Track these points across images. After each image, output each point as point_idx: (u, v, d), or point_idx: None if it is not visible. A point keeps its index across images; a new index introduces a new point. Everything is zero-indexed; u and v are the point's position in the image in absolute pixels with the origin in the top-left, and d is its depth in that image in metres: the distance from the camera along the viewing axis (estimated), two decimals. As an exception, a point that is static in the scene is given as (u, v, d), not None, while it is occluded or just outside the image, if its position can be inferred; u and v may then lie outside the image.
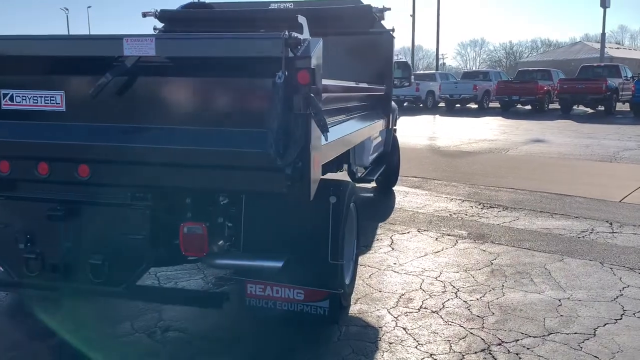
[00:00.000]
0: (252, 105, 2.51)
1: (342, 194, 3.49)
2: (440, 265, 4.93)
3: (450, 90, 28.92)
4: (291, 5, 6.22)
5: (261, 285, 3.52)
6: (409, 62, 7.16)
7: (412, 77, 7.17)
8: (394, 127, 8.60)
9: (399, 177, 9.06)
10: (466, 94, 28.35)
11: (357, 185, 7.07)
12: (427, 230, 6.10)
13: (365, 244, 5.49)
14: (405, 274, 4.71)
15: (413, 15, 44.63)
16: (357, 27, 5.79)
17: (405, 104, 30.17)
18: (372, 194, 8.12)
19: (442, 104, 30.84)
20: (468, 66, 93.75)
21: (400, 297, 4.21)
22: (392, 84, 6.01)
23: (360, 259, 4.99)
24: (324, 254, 3.38)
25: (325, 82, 2.85)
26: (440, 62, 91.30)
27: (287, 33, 2.36)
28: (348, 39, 6.06)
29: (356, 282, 4.38)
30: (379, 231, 6.03)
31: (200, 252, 2.93)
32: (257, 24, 6.16)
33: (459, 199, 7.74)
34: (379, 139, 7.15)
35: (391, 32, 5.81)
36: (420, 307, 4.03)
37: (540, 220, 6.60)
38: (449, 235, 5.94)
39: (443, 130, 18.83)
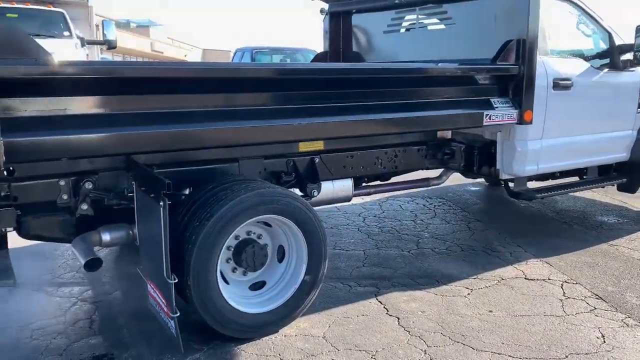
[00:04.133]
0: None
1: (188, 197, 2.87)
2: (476, 331, 3.29)
3: None
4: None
5: (152, 285, 3.29)
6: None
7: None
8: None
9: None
10: None
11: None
12: (595, 287, 4.03)
13: (454, 285, 4.12)
14: (401, 329, 3.37)
15: None
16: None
17: None
18: (617, 219, 5.72)
19: None
20: None
21: (322, 352, 3.11)
22: (532, 61, 4.07)
23: (391, 300, 3.85)
24: (161, 268, 2.89)
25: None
26: None
27: None
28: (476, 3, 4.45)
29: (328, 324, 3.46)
30: (506, 271, 4.36)
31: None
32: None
33: None
34: (593, 138, 5.03)
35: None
36: (322, 373, 2.90)
37: None
38: (622, 305, 3.79)
39: None
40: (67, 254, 4.55)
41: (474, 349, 3.12)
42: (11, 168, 2.95)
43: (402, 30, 5.44)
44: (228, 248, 3.26)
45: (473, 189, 7.12)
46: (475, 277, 4.16)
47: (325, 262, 3.40)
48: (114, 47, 9.85)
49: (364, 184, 4.74)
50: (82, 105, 2.79)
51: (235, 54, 13.02)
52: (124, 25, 36.28)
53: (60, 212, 3.24)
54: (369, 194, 4.70)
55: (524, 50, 4.02)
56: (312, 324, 3.40)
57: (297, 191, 3.99)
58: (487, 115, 3.98)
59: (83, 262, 2.96)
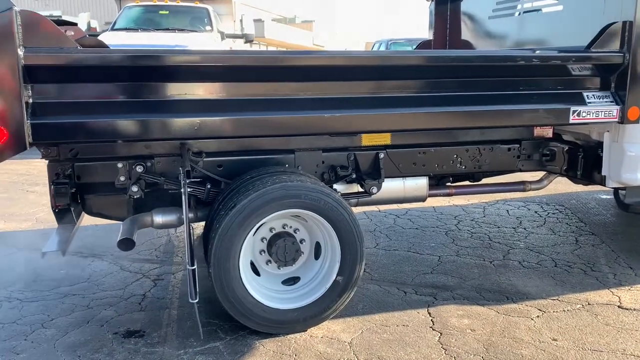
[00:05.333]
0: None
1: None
2: (525, 364, 2.84)
3: None
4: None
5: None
6: None
7: None
8: None
9: None
10: None
11: None
12: (690, 322, 3.29)
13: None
14: (438, 346, 3.03)
15: None
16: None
17: None
18: None
19: None
20: None
21: (349, 360, 2.90)
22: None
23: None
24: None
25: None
26: None
27: None
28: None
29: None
30: (598, 295, 3.73)
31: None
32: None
33: None
34: None
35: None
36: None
37: None
38: None
39: None
40: (154, 232, 4.87)
41: (511, 381, 2.70)
42: (73, 149, 3.24)
43: (507, 15, 4.89)
44: (262, 240, 3.22)
45: (604, 197, 6.21)
46: (556, 298, 3.60)
47: (360, 265, 3.18)
48: (251, 41, 10.35)
49: (447, 184, 4.37)
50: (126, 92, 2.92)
51: (374, 45, 12.95)
52: (290, 20, 38.08)
53: (119, 192, 3.46)
54: (449, 195, 4.31)
55: (630, 34, 3.35)
56: (344, 328, 3.22)
57: (358, 187, 3.82)
58: (574, 111, 3.40)
59: (118, 239, 3.12)
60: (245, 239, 3.00)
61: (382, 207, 5.67)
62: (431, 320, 3.32)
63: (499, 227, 5.13)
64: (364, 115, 3.36)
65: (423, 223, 5.25)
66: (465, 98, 3.36)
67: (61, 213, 3.40)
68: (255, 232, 3.16)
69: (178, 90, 2.95)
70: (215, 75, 3.09)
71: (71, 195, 3.27)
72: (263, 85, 3.24)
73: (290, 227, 3.25)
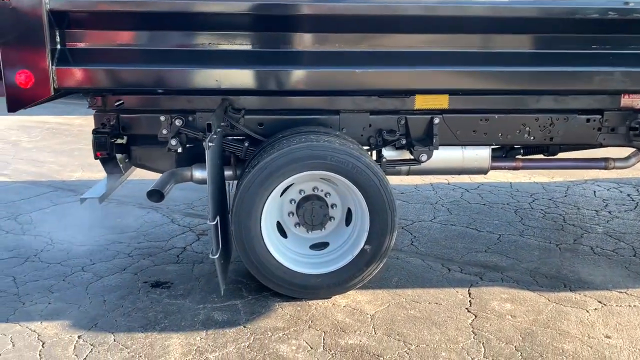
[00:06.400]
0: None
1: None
2: (564, 356, 2.51)
3: None
4: None
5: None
6: None
7: None
8: None
9: None
10: None
11: None
12: None
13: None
14: (468, 330, 2.75)
15: None
16: None
17: None
18: None
19: None
20: None
21: None
22: None
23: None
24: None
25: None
26: None
27: None
28: None
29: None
30: None
31: None
32: None
33: None
34: None
35: None
36: None
37: None
38: None
39: None
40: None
41: (541, 376, 2.38)
42: (120, 100, 3.29)
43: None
44: (291, 201, 3.10)
45: None
46: (623, 291, 3.16)
47: (391, 235, 2.96)
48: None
49: (517, 157, 3.95)
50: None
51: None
52: None
53: (162, 145, 3.48)
54: (515, 168, 3.89)
55: None
56: (371, 299, 3.04)
57: (407, 154, 3.55)
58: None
59: (148, 189, 3.13)
60: (267, 198, 2.89)
61: (452, 180, 5.31)
62: (469, 301, 3.04)
63: (578, 209, 4.61)
64: (419, 72, 3.13)
65: (493, 199, 4.85)
66: (527, 56, 2.99)
67: (105, 162, 3.49)
68: (283, 193, 3.05)
69: (208, 40, 2.87)
70: (254, 25, 2.98)
71: (112, 145, 3.34)
72: (309, 37, 3.08)
73: (321, 190, 3.10)
